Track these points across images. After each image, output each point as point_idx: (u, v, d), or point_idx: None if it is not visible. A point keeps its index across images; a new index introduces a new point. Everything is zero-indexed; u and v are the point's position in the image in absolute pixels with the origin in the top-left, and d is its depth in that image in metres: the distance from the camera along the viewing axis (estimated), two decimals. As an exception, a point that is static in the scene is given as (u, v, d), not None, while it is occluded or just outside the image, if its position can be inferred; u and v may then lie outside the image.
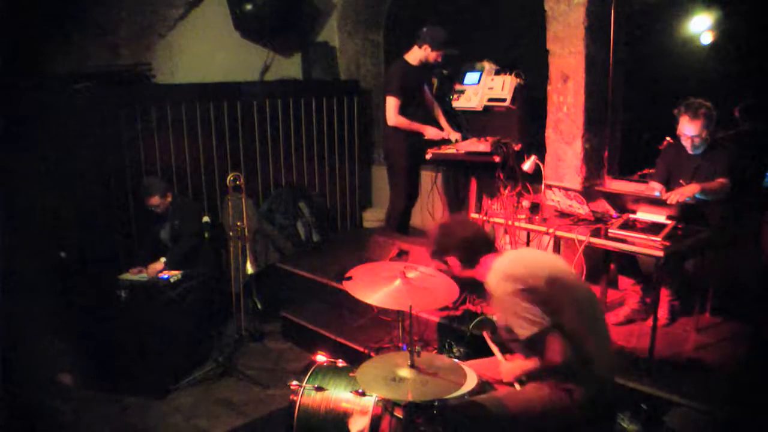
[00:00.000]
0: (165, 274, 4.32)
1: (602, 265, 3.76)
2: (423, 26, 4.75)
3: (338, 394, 2.81)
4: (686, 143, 3.71)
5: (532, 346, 2.41)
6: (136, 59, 5.02)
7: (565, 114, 4.47)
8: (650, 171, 4.11)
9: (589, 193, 3.78)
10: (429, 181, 5.29)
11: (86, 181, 4.60)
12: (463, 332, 3.70)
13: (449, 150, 4.69)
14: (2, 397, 3.24)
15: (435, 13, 5.50)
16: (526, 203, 3.85)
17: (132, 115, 4.81)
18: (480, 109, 5.03)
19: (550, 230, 3.53)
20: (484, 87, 5.06)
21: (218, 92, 5.32)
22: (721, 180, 3.58)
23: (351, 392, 2.79)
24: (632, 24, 4.59)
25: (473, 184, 5.06)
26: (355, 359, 3.16)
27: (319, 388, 2.83)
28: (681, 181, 3.66)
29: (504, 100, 4.91)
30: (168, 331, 4.12)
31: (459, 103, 5.14)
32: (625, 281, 4.00)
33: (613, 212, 3.55)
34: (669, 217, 3.38)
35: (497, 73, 5.11)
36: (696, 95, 3.69)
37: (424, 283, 2.88)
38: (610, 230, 3.36)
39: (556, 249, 3.95)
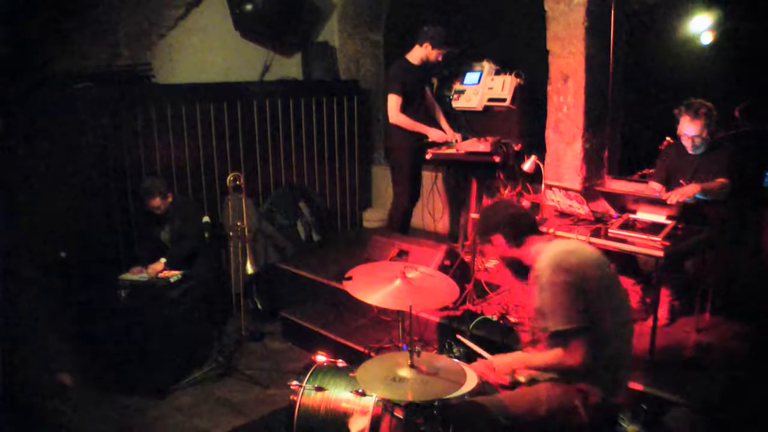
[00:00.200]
0: (165, 275, 4.32)
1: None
2: (423, 26, 4.76)
3: (338, 394, 2.81)
4: (687, 143, 3.72)
5: (558, 340, 2.39)
6: (136, 59, 5.01)
7: (565, 114, 4.47)
8: (650, 171, 4.11)
9: (589, 193, 3.79)
10: (429, 181, 5.30)
11: (86, 181, 4.59)
12: (463, 332, 3.69)
13: (449, 150, 4.70)
14: (2, 396, 3.25)
15: (435, 13, 5.50)
16: (526, 203, 3.85)
17: (132, 115, 4.81)
18: (480, 109, 5.04)
19: (550, 230, 3.53)
20: (484, 87, 5.06)
21: (218, 92, 5.32)
22: (721, 180, 3.58)
23: (351, 392, 2.79)
24: (632, 24, 4.59)
25: (473, 184, 5.06)
26: (355, 359, 3.16)
27: (319, 388, 2.83)
28: (681, 181, 3.66)
29: (504, 100, 4.92)
30: (168, 331, 4.12)
31: (459, 103, 5.15)
32: (625, 281, 4.00)
33: (613, 212, 3.55)
34: (669, 217, 3.38)
35: (497, 73, 5.12)
36: (696, 95, 3.69)
37: (424, 283, 2.88)
38: (610, 230, 3.36)
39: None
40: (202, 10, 5.36)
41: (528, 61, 5.00)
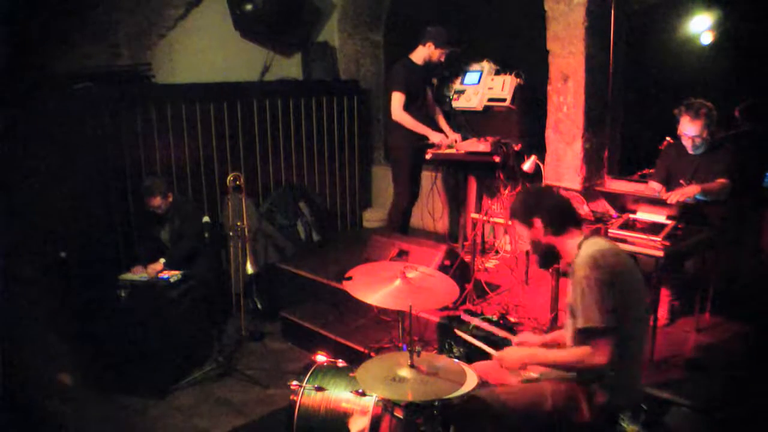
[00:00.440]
0: (165, 274, 4.31)
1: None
2: (424, 26, 4.77)
3: (338, 394, 2.81)
4: (687, 143, 3.72)
5: (585, 337, 2.36)
6: (136, 59, 5.01)
7: (565, 114, 4.47)
8: (650, 171, 4.11)
9: (589, 193, 3.79)
10: (429, 181, 5.29)
11: (86, 181, 4.59)
12: (464, 329, 3.69)
13: (449, 150, 4.69)
14: (2, 396, 3.25)
15: (435, 13, 5.50)
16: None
17: (132, 115, 4.81)
18: (480, 109, 5.04)
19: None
20: (484, 87, 5.06)
21: (218, 92, 5.32)
22: (721, 180, 3.58)
23: (351, 392, 2.79)
24: (632, 24, 4.59)
25: (473, 184, 5.06)
26: (355, 359, 3.16)
27: (319, 388, 2.83)
28: (681, 181, 3.66)
29: (504, 100, 4.92)
30: (168, 331, 4.12)
31: (459, 103, 5.14)
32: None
33: (613, 212, 3.55)
34: (669, 217, 3.38)
35: (497, 73, 5.12)
36: (696, 95, 3.69)
37: (424, 283, 2.88)
38: (610, 230, 3.36)
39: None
40: (202, 10, 5.37)
41: (528, 61, 5.00)
